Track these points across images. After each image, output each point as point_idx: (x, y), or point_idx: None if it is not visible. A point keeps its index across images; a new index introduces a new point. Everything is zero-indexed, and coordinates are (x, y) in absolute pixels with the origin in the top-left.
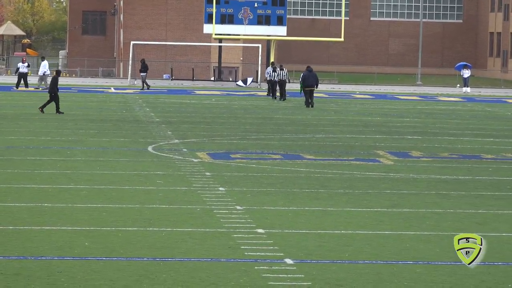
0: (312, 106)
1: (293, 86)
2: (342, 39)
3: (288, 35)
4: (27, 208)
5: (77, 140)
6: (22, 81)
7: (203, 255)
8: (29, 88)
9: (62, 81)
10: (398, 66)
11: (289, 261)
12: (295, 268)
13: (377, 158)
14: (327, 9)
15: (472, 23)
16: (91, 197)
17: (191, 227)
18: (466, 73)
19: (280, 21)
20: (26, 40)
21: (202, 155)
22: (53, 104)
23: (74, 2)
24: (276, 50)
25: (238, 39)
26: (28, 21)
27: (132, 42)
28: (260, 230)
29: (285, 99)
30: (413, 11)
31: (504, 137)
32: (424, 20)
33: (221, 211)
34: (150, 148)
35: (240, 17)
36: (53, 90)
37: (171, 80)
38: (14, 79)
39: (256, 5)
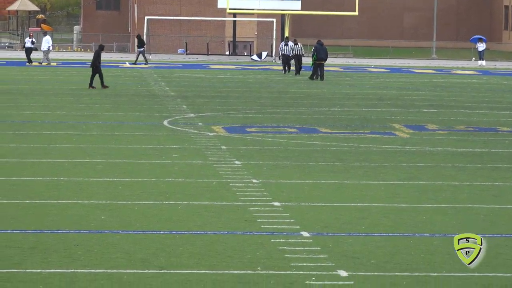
0: (322, 79)
1: (308, 60)
2: (356, 13)
3: (302, 9)
4: (43, 182)
5: (93, 115)
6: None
7: (219, 228)
8: (33, 64)
9: (76, 56)
10: (413, 39)
11: (305, 234)
12: (311, 240)
13: (393, 131)
14: None
15: None
16: (107, 171)
17: (207, 200)
18: (481, 46)
19: None
20: (40, 16)
21: (218, 129)
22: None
23: None
24: (291, 24)
25: (253, 14)
26: None
27: (146, 17)
28: (276, 203)
29: (299, 73)
30: None
31: None
32: None
33: (237, 184)
34: (165, 122)
35: None
36: (95, 64)
37: (186, 54)
38: None
39: None
